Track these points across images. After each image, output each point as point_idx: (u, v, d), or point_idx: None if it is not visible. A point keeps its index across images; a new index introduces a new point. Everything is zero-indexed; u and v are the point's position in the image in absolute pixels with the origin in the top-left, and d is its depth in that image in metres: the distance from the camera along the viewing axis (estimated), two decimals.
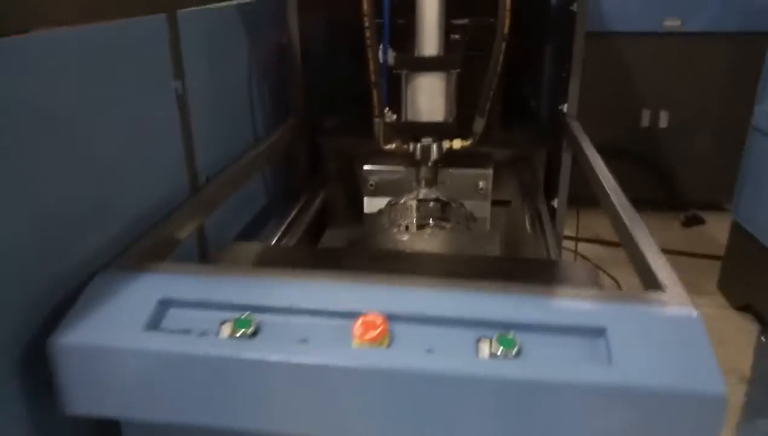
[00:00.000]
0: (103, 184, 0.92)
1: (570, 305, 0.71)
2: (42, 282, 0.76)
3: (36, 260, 0.76)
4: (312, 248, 1.31)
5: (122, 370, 0.68)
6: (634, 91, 3.30)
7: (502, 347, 0.66)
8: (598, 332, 0.68)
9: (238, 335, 0.71)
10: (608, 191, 1.05)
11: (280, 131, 1.57)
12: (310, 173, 1.72)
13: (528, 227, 1.50)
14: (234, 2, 1.37)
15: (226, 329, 0.72)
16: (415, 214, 1.57)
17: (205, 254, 1.27)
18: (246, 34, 1.46)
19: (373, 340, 0.68)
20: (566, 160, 1.59)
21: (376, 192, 1.56)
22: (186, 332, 0.72)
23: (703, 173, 3.44)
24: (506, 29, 1.23)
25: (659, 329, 0.69)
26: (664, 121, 3.34)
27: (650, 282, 0.77)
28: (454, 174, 1.51)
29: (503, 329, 0.69)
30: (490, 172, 1.49)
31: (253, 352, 0.68)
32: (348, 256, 1.02)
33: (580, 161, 1.38)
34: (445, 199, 1.53)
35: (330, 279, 0.77)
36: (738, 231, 2.65)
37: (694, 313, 0.71)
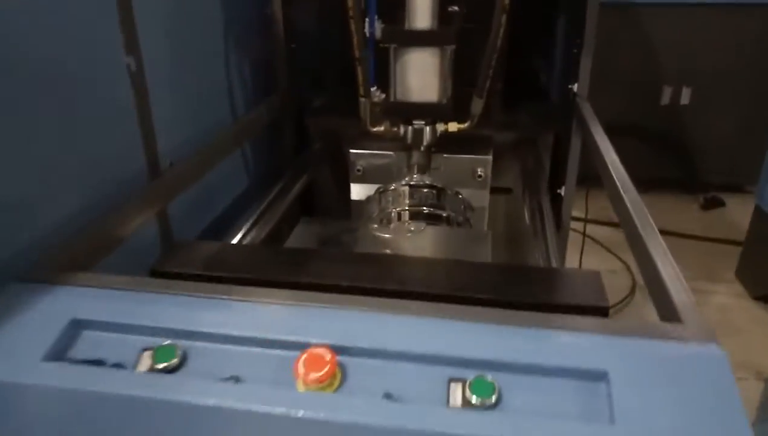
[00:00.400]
0: (30, 177, 0.80)
1: (564, 339, 0.58)
2: None
3: None
4: (272, 248, 1.18)
5: (14, 410, 0.56)
6: (655, 67, 3.09)
7: (476, 396, 0.53)
8: (598, 376, 0.55)
9: (159, 367, 0.58)
10: (621, 192, 0.90)
11: (260, 110, 1.43)
12: (294, 156, 1.58)
13: (527, 218, 1.36)
14: None
15: (145, 360, 0.59)
16: (407, 201, 1.43)
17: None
18: (221, 3, 1.31)
19: (318, 381, 0.55)
20: (575, 145, 1.43)
21: (364, 178, 1.42)
22: (98, 362, 0.59)
23: (725, 154, 3.24)
24: (507, 0, 1.08)
25: (674, 371, 0.55)
26: (685, 98, 3.14)
27: (665, 309, 0.63)
28: (449, 160, 1.37)
29: (481, 369, 0.56)
30: (489, 158, 1.35)
31: (171, 392, 0.55)
32: (312, 260, 0.89)
33: (589, 148, 1.23)
34: (439, 185, 1.39)
35: (274, 299, 0.64)
36: (760, 216, 2.48)
37: (719, 351, 0.57)
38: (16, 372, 0.57)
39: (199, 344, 0.60)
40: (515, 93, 1.45)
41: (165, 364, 0.58)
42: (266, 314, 0.63)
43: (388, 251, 1.11)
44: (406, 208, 1.42)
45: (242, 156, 1.47)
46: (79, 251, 0.79)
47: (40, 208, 0.81)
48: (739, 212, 3.09)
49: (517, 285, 0.79)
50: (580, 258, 2.12)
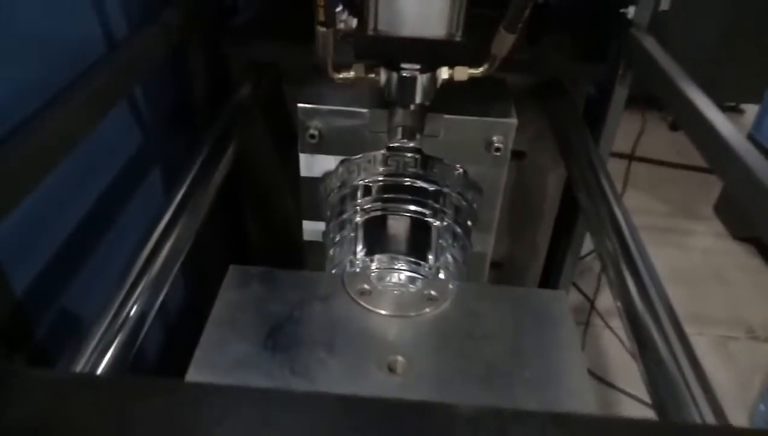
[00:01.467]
0: None
1: None
2: None
3: None
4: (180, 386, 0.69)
5: None
6: None
7: None
8: None
9: None
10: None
11: (148, 35, 0.88)
12: (208, 113, 1.06)
13: (535, 188, 0.94)
14: None
15: None
16: (380, 169, 0.97)
17: None
18: None
19: None
20: (619, 94, 1.01)
21: (321, 146, 0.94)
22: None
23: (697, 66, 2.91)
24: None
25: None
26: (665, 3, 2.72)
27: None
28: (453, 123, 0.91)
29: None
30: (512, 121, 0.90)
31: None
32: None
33: (662, 98, 0.82)
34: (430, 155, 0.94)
35: None
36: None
37: None
38: None
39: None
40: (543, 21, 0.98)
41: None
42: None
43: (399, 359, 0.68)
44: (380, 178, 0.97)
45: (120, 117, 0.92)
46: None
47: None
48: None
49: None
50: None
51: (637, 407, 1.55)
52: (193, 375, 0.62)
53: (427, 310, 0.75)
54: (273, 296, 0.73)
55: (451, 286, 0.78)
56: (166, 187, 1.00)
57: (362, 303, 0.74)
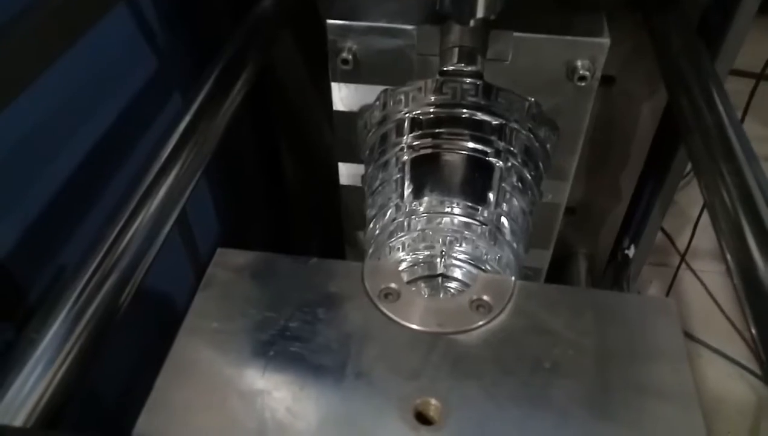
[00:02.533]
0: None
1: None
2: None
3: None
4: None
5: None
6: None
7: None
8: None
9: None
10: None
11: None
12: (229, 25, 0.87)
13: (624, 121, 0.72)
14: None
15: None
16: (431, 99, 0.79)
17: None
18: None
19: None
20: (743, 17, 0.77)
21: (357, 75, 0.76)
22: None
23: None
24: None
25: None
26: None
27: None
28: (526, 42, 0.70)
29: None
30: (604, 41, 0.68)
31: None
32: None
33: None
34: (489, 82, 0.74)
35: None
36: None
37: None
38: None
39: None
40: None
41: None
42: None
43: (432, 403, 0.49)
44: (430, 111, 0.79)
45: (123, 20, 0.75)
46: None
47: None
48: None
49: None
50: None
51: (720, 363, 1.38)
52: (143, 425, 0.44)
53: (477, 324, 0.51)
54: (265, 296, 0.53)
55: (510, 287, 0.54)
56: (172, 111, 0.85)
57: (385, 311, 0.52)
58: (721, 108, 0.64)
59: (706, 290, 1.51)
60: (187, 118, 0.63)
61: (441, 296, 0.64)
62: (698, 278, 1.55)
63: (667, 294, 1.44)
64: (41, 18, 0.53)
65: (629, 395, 0.46)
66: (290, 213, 1.22)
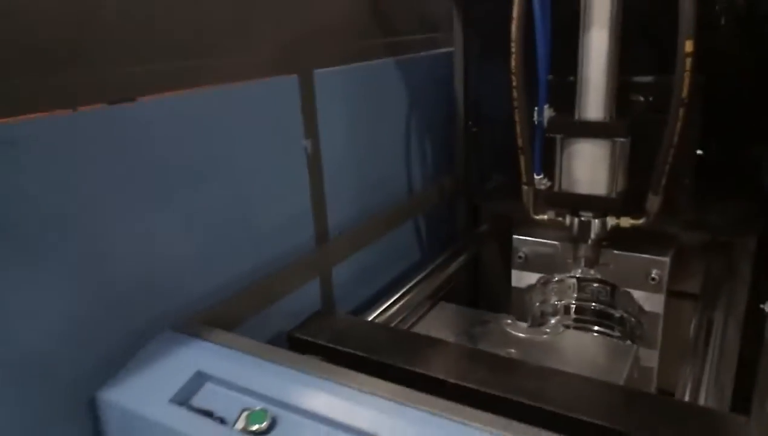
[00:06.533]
0: (208, 239, 0.95)
1: None
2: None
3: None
4: (398, 331, 1.15)
5: None
6: None
7: None
8: None
9: (251, 429, 0.65)
10: None
11: (434, 188, 1.51)
12: (464, 234, 1.61)
13: (699, 329, 1.15)
14: (380, 60, 1.35)
15: (242, 419, 0.66)
16: (574, 295, 1.36)
17: (332, 307, 1.23)
18: (403, 90, 1.43)
19: None
20: None
21: (526, 265, 1.39)
22: (208, 413, 0.68)
23: None
24: (685, 92, 1.00)
25: None
26: None
27: None
28: (620, 257, 1.27)
29: None
30: (666, 260, 1.22)
31: None
32: (428, 349, 0.89)
33: None
34: (610, 282, 1.29)
35: (364, 387, 0.67)
36: None
37: None
38: (144, 407, 0.68)
39: (287, 413, 0.66)
40: (711, 187, 1.29)
41: (256, 426, 0.64)
42: (352, 400, 0.65)
43: (512, 351, 1.06)
44: (573, 302, 1.35)
45: (413, 229, 1.54)
46: (235, 306, 0.92)
47: (212, 267, 0.96)
48: None
49: (638, 416, 0.70)
50: None
51: None
52: None
53: None
54: None
55: None
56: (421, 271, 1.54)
57: None
58: None
59: None
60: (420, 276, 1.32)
61: None
62: None
63: None
64: None
65: None
66: None
